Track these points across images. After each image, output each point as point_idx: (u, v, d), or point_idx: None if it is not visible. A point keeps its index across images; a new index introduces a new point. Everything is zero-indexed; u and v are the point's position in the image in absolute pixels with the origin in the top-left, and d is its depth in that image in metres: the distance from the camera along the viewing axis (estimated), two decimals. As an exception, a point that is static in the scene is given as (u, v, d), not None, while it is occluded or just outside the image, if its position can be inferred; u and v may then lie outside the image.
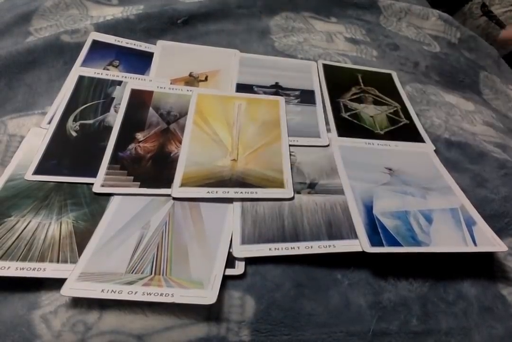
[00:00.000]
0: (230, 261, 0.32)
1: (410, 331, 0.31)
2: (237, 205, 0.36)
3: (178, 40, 0.53)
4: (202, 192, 0.36)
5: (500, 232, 0.38)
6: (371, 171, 0.41)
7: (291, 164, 0.40)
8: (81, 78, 0.45)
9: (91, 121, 0.42)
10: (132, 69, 0.48)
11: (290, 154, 0.42)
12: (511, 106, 0.62)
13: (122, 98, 0.44)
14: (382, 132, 0.47)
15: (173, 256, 0.32)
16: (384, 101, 0.52)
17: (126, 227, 0.33)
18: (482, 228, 0.36)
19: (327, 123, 0.47)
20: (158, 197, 0.36)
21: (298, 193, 0.38)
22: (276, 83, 0.51)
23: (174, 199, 0.36)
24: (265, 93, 0.49)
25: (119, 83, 0.46)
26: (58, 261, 0.30)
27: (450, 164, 0.44)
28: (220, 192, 0.36)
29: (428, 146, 0.46)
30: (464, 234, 0.35)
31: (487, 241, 0.35)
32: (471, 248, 0.34)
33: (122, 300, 0.28)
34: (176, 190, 0.36)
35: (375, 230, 0.35)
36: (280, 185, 0.38)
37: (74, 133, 0.40)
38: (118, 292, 0.28)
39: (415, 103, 0.53)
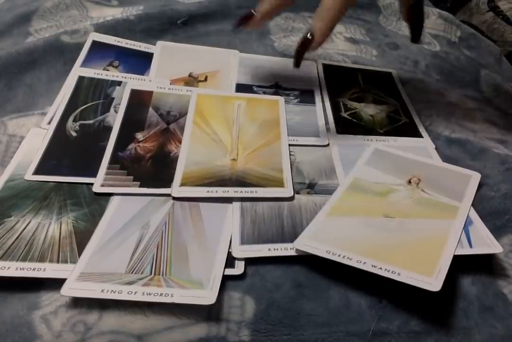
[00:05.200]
0: (230, 261, 0.32)
1: (410, 330, 0.30)
2: (236, 205, 0.36)
3: (177, 41, 0.53)
4: (202, 191, 0.36)
5: (500, 229, 0.38)
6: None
7: (290, 164, 0.40)
8: (81, 79, 0.46)
9: (91, 122, 0.42)
10: (132, 70, 0.48)
11: (290, 154, 0.42)
12: (512, 104, 0.62)
13: (122, 98, 0.44)
14: (382, 131, 0.47)
15: (173, 256, 0.32)
16: (384, 100, 0.52)
17: (125, 227, 0.33)
18: (478, 227, 0.36)
19: (326, 122, 0.47)
20: (158, 197, 0.36)
21: (298, 193, 0.38)
22: (276, 83, 0.51)
23: (174, 198, 0.36)
24: (264, 93, 0.49)
25: (119, 83, 0.46)
26: (58, 261, 0.30)
27: (451, 162, 0.43)
28: (220, 191, 0.36)
29: (426, 142, 0.46)
30: (460, 234, 0.35)
31: (483, 241, 0.35)
32: (466, 250, 0.34)
33: (122, 300, 0.28)
34: (176, 189, 0.36)
35: (374, 229, 0.35)
36: (280, 184, 0.38)
37: (74, 134, 0.40)
38: (118, 292, 0.29)
39: (415, 102, 0.53)
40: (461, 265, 0.33)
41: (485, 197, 0.40)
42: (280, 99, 0.48)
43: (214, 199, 0.36)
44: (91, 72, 0.47)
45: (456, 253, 0.33)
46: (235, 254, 0.32)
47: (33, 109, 0.43)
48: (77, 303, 0.29)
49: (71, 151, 0.39)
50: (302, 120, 0.46)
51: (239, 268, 0.32)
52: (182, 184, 0.37)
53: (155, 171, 0.38)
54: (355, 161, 0.42)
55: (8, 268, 0.30)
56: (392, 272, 0.30)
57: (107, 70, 0.48)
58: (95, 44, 0.50)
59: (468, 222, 0.36)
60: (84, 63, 0.48)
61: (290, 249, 0.33)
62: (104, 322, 0.28)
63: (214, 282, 0.30)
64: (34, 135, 0.40)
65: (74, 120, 0.41)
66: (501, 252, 0.34)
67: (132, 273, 0.30)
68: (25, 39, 0.51)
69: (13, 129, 0.40)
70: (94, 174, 0.37)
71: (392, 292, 0.32)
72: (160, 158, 0.39)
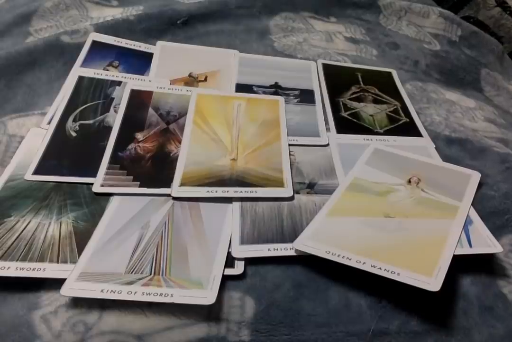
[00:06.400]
0: (230, 261, 0.32)
1: (410, 331, 0.30)
2: (236, 205, 0.36)
3: (177, 41, 0.54)
4: (202, 191, 0.36)
5: (501, 229, 0.38)
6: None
7: (290, 164, 0.40)
8: (80, 79, 0.46)
9: (90, 122, 0.42)
10: (132, 70, 0.48)
11: (290, 154, 0.41)
12: (513, 103, 0.62)
13: (121, 98, 0.44)
14: (381, 131, 0.47)
15: (173, 256, 0.32)
16: (384, 100, 0.52)
17: (125, 227, 0.34)
18: (478, 227, 0.36)
19: (326, 122, 0.47)
20: (158, 197, 0.36)
21: (297, 193, 0.38)
22: (276, 83, 0.51)
23: (174, 198, 0.36)
24: (264, 93, 0.49)
25: (119, 83, 0.46)
26: (58, 261, 0.31)
27: (451, 162, 0.44)
28: (219, 191, 0.36)
29: (426, 141, 0.46)
30: (460, 234, 0.35)
31: (483, 241, 0.35)
32: (466, 250, 0.34)
33: (122, 300, 0.28)
34: (176, 189, 0.36)
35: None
36: (280, 184, 0.38)
37: (73, 134, 0.40)
38: (118, 292, 0.29)
39: (415, 101, 0.53)
40: (461, 265, 0.33)
41: (485, 196, 0.40)
42: (280, 99, 0.48)
43: (214, 199, 0.36)
44: (91, 72, 0.47)
45: (456, 253, 0.33)
46: (235, 254, 0.32)
47: (33, 109, 0.43)
48: (77, 303, 0.29)
49: (71, 151, 0.39)
50: (302, 120, 0.46)
51: (239, 268, 0.32)
52: (182, 184, 0.37)
53: (155, 171, 0.38)
54: (355, 161, 0.42)
55: (8, 268, 0.30)
56: (391, 272, 0.30)
57: (107, 70, 0.48)
58: (95, 44, 0.50)
59: (468, 222, 0.36)
60: (84, 63, 0.48)
61: (290, 249, 0.33)
62: (104, 322, 0.28)
63: (214, 282, 0.30)
64: (34, 135, 0.40)
65: (74, 120, 0.41)
66: (501, 252, 0.34)
67: (132, 273, 0.30)
68: (25, 39, 0.51)
69: (13, 129, 0.41)
70: (94, 174, 0.37)
71: (392, 292, 0.32)
72: (160, 158, 0.39)
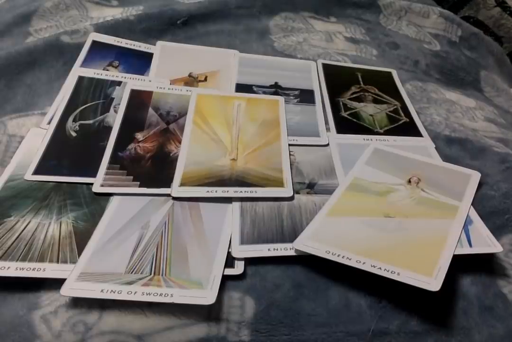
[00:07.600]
0: (230, 261, 0.32)
1: (410, 331, 0.30)
2: (236, 205, 0.36)
3: (177, 41, 0.54)
4: (202, 191, 0.36)
5: (501, 229, 0.38)
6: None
7: (290, 164, 0.40)
8: (80, 79, 0.46)
9: (90, 122, 0.42)
10: (132, 70, 0.48)
11: (290, 154, 0.42)
12: (513, 103, 0.62)
13: (121, 98, 0.44)
14: (381, 131, 0.47)
15: (173, 256, 0.32)
16: (384, 99, 0.52)
17: (125, 227, 0.34)
18: (478, 227, 0.36)
19: (326, 122, 0.47)
20: (158, 197, 0.36)
21: (297, 193, 0.38)
22: (276, 83, 0.51)
23: (174, 198, 0.36)
24: (264, 93, 0.49)
25: (119, 83, 0.46)
26: (57, 261, 0.31)
27: (451, 161, 0.44)
28: (219, 191, 0.36)
29: (426, 141, 0.46)
30: (460, 234, 0.35)
31: (483, 241, 0.35)
32: (466, 250, 0.34)
33: (122, 300, 0.28)
34: (176, 189, 0.36)
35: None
36: (280, 184, 0.38)
37: (73, 134, 0.40)
38: (118, 292, 0.29)
39: (415, 101, 0.53)
40: (461, 265, 0.33)
41: (485, 196, 0.40)
42: (280, 99, 0.48)
43: (214, 198, 0.36)
44: (91, 72, 0.47)
45: (456, 253, 0.33)
46: (234, 254, 0.32)
47: (33, 109, 0.43)
48: (77, 303, 0.29)
49: (71, 151, 0.39)
50: (302, 120, 0.46)
51: (239, 268, 0.32)
52: (182, 184, 0.37)
53: (155, 171, 0.38)
54: (355, 161, 0.42)
55: (8, 268, 0.30)
56: (391, 272, 0.30)
57: (107, 70, 0.48)
58: (95, 44, 0.50)
59: (468, 222, 0.36)
60: (84, 63, 0.48)
61: (290, 249, 0.33)
62: (104, 322, 0.28)
63: (214, 282, 0.30)
64: (34, 135, 0.40)
65: (74, 120, 0.41)
66: (501, 251, 0.34)
67: (132, 273, 0.30)
68: (25, 39, 0.51)
69: (13, 129, 0.41)
70: (94, 174, 0.37)
71: (392, 292, 0.32)
72: (160, 158, 0.39)
